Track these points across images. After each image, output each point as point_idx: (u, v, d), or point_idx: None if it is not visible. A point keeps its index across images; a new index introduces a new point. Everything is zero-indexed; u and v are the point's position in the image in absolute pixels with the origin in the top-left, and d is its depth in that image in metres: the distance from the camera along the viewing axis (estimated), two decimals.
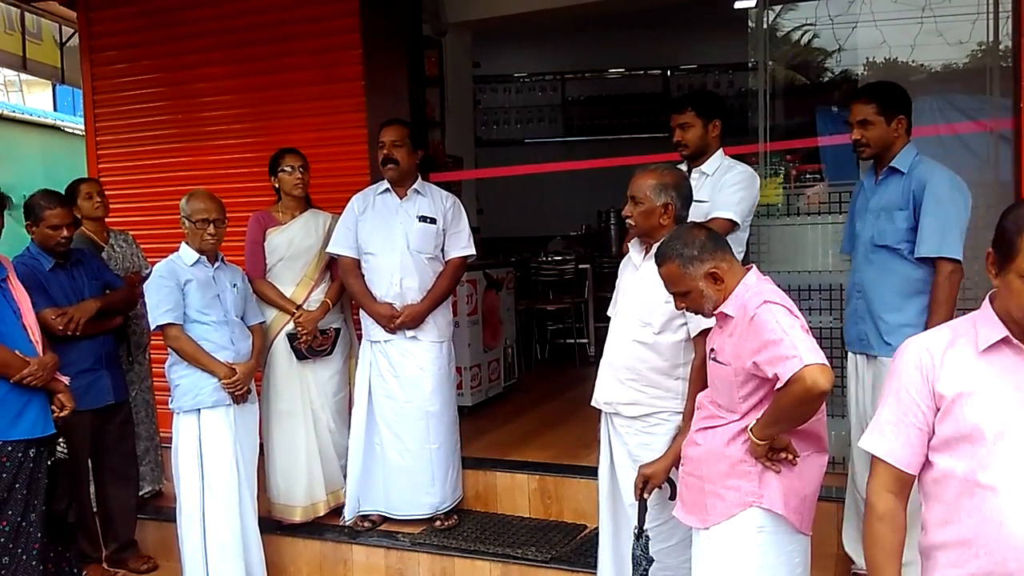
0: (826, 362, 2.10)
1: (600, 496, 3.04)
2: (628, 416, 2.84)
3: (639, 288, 2.84)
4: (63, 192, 4.01)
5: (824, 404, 2.21)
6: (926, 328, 2.82)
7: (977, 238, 3.68)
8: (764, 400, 2.23)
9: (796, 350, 2.08)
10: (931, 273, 2.96)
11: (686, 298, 2.37)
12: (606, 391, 2.89)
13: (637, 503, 2.65)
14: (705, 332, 2.56)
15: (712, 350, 2.36)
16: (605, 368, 2.90)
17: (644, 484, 2.63)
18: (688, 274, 2.32)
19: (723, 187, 3.25)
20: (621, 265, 3.06)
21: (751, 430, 2.22)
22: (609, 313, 3.02)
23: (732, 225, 3.17)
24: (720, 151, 3.37)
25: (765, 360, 2.14)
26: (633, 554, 2.60)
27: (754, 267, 2.38)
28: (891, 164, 3.04)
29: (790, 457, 2.23)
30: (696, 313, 2.43)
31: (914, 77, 4.25)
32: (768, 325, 2.15)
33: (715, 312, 2.36)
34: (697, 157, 3.36)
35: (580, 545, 3.72)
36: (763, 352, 2.15)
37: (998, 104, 3.80)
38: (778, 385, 2.12)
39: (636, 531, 2.61)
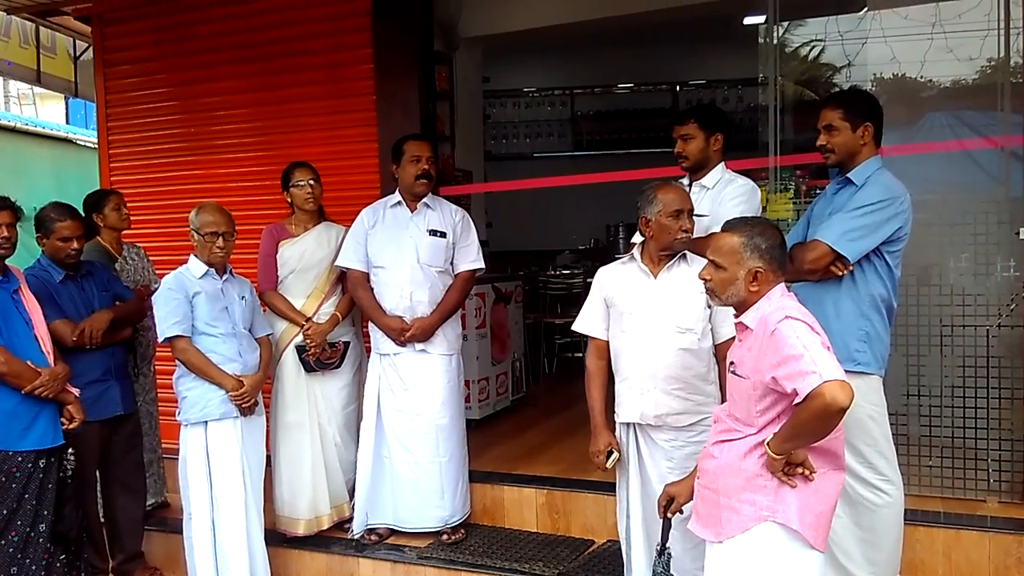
0: (846, 379, 2.09)
1: (631, 515, 3.01)
2: (676, 427, 2.86)
3: (667, 297, 2.85)
4: (81, 203, 4.03)
5: (842, 422, 2.19)
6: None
7: (988, 253, 3.68)
8: (781, 415, 2.23)
9: (816, 366, 2.08)
10: (867, 280, 2.88)
11: (717, 272, 2.34)
12: (652, 405, 2.88)
13: (662, 520, 2.63)
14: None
15: (732, 363, 2.36)
16: (644, 382, 2.89)
17: (668, 503, 2.59)
18: (740, 255, 2.30)
19: (724, 201, 3.24)
20: (606, 276, 3.02)
21: (768, 444, 2.22)
22: (601, 335, 3.01)
23: None
24: (721, 165, 3.36)
25: (784, 375, 2.14)
26: (654, 571, 2.59)
27: (782, 283, 2.36)
28: (848, 175, 2.94)
29: (806, 472, 2.23)
30: (710, 294, 2.40)
31: (924, 93, 4.24)
32: (788, 340, 2.15)
33: (736, 321, 2.38)
34: (697, 170, 3.36)
35: (588, 560, 3.70)
36: (782, 367, 2.14)
37: (1008, 120, 3.79)
38: (796, 400, 2.11)
39: (659, 548, 2.60)
